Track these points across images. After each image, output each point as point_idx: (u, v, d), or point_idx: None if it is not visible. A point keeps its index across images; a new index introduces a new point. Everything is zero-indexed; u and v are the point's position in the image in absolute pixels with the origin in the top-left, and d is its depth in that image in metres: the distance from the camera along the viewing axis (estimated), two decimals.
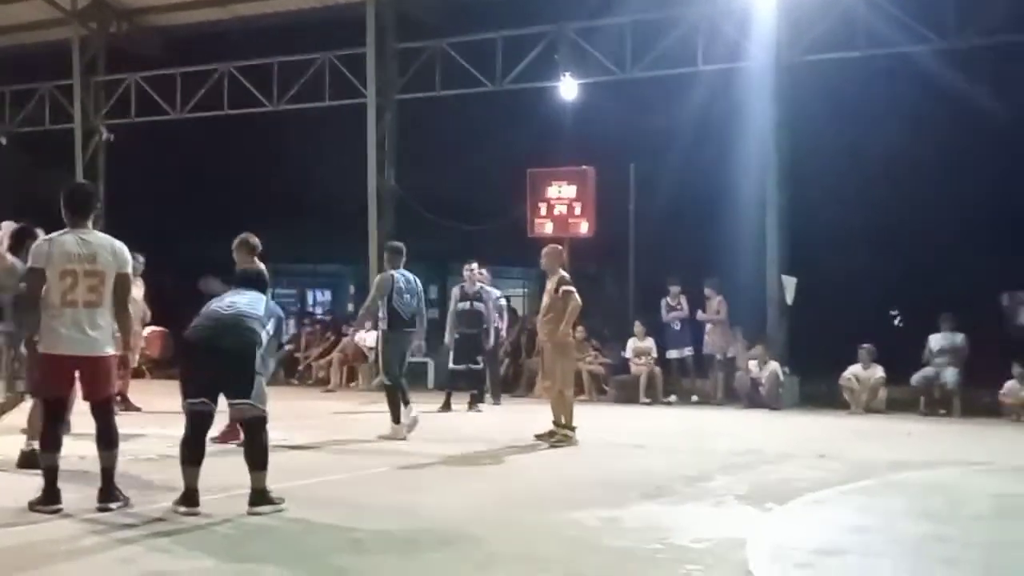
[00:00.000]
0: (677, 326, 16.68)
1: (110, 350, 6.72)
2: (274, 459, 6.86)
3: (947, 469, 9.40)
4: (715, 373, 16.52)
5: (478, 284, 14.77)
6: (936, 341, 14.95)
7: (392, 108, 19.68)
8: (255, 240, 10.24)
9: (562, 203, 17.59)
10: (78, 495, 6.76)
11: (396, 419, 10.95)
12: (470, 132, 23.74)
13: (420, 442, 10.61)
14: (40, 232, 7.95)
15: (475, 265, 14.90)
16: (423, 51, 19.45)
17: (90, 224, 6.83)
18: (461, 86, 19.29)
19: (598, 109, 20.13)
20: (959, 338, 14.91)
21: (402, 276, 11.22)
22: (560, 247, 11.53)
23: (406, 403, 11.11)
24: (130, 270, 6.89)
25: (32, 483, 6.79)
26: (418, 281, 11.51)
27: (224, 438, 9.17)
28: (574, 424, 10.74)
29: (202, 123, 21.97)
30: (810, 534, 6.47)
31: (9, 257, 8.40)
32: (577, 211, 17.46)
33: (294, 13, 21.18)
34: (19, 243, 8.30)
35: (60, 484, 6.62)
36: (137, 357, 12.13)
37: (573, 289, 10.67)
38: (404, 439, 10.74)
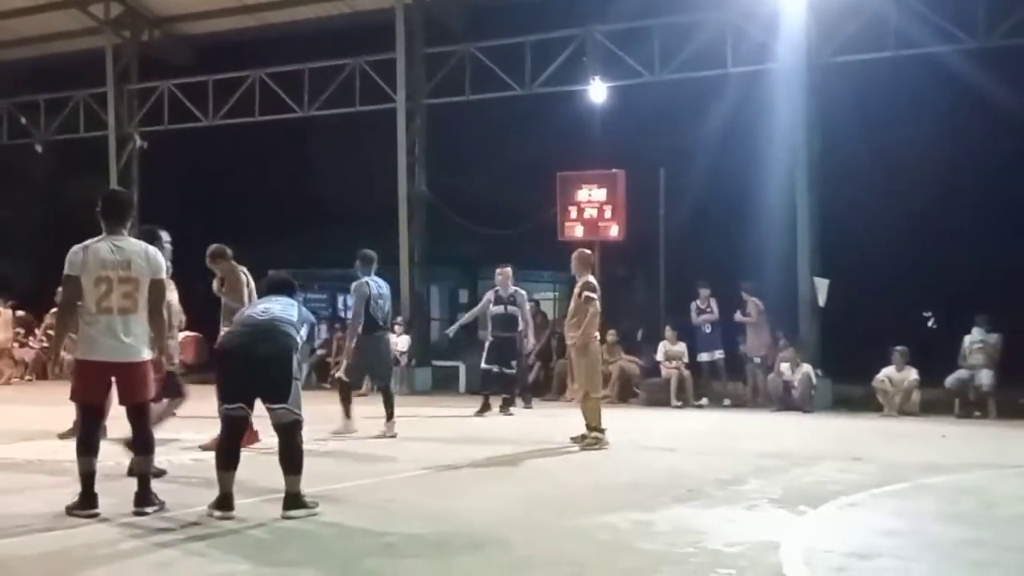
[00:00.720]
0: (708, 329, 16.65)
1: (146, 355, 6.79)
2: (307, 463, 6.90)
3: (981, 472, 9.33)
4: (753, 376, 16.46)
5: (512, 287, 14.66)
6: (970, 342, 14.82)
7: (421, 113, 19.76)
8: (227, 248, 10.60)
9: (592, 206, 17.58)
10: (114, 500, 6.83)
11: (347, 414, 11.53)
12: (499, 136, 23.81)
13: (450, 445, 10.66)
14: (164, 234, 8.31)
15: (509, 268, 14.78)
16: (452, 55, 19.53)
17: (125, 231, 6.90)
18: (490, 90, 19.35)
19: (627, 112, 20.13)
20: (994, 338, 14.77)
21: (374, 282, 11.54)
22: (589, 251, 11.50)
23: (390, 415, 11.34)
24: (164, 276, 6.97)
25: (69, 488, 6.88)
26: (387, 286, 11.83)
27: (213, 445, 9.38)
28: (603, 426, 10.75)
29: (234, 129, 22.18)
30: (844, 538, 6.44)
31: None
32: (607, 215, 17.44)
33: (323, 20, 21.33)
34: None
35: (96, 489, 6.69)
36: (177, 363, 12.15)
37: (594, 295, 10.71)
38: (355, 432, 11.31)
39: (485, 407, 14.28)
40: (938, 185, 20.18)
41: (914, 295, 21.49)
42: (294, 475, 6.73)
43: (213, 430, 9.92)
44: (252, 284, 10.42)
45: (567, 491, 8.16)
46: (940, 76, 17.23)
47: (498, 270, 14.75)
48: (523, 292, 14.92)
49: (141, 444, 6.80)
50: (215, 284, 10.57)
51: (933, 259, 20.48)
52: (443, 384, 19.19)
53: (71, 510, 6.62)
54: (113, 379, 6.72)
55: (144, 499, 6.74)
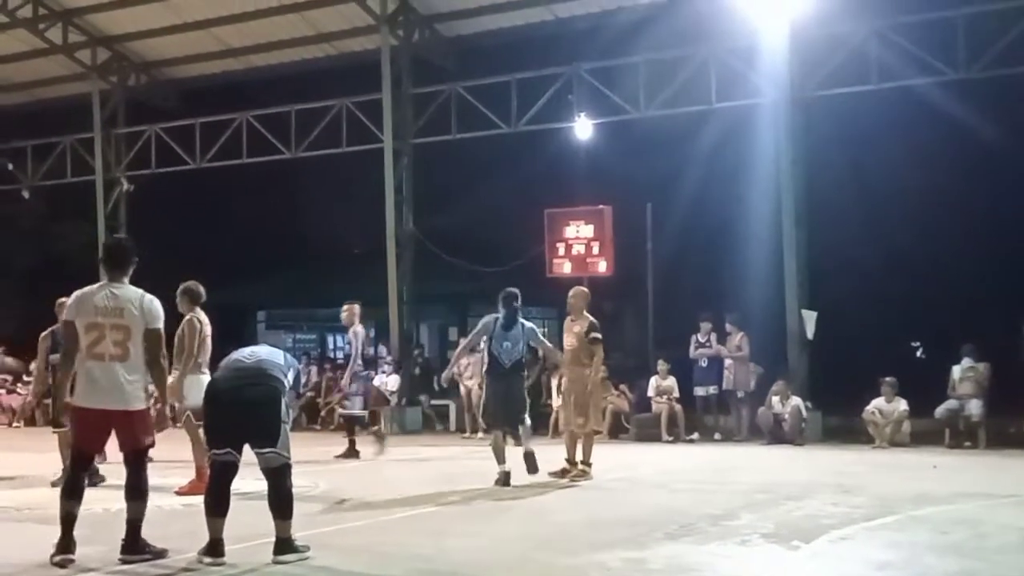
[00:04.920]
0: (704, 363, 16.58)
1: (138, 404, 6.73)
2: (297, 506, 6.86)
3: (973, 502, 9.32)
4: (737, 409, 16.44)
5: (358, 326, 13.60)
6: (959, 372, 14.85)
7: (409, 152, 19.84)
8: (200, 288, 10.45)
9: (580, 243, 17.62)
10: (106, 547, 6.77)
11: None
12: (487, 174, 23.92)
13: (441, 485, 10.59)
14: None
15: (355, 306, 13.73)
16: (438, 95, 19.64)
17: (126, 279, 6.88)
18: (477, 129, 19.45)
19: (614, 149, 20.27)
20: (982, 367, 14.80)
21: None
22: (586, 289, 11.75)
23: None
24: (161, 325, 6.87)
25: (57, 537, 6.80)
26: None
27: (190, 490, 9.48)
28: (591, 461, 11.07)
29: (222, 172, 22.23)
30: (837, 572, 6.43)
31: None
32: (595, 250, 17.48)
33: (309, 61, 21.49)
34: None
35: (90, 535, 6.62)
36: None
37: (600, 337, 11.13)
38: None
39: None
40: (923, 216, 20.33)
41: (902, 326, 21.59)
42: (284, 519, 6.69)
43: (188, 474, 9.97)
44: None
45: (559, 529, 8.13)
46: (922, 109, 17.42)
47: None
48: (361, 330, 13.86)
49: (135, 491, 6.71)
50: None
51: (920, 289, 20.59)
52: (433, 423, 19.15)
53: (54, 557, 6.55)
54: (106, 426, 6.68)
55: (133, 548, 6.64)
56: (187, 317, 10.31)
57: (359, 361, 13.74)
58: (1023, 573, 6.49)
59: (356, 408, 13.96)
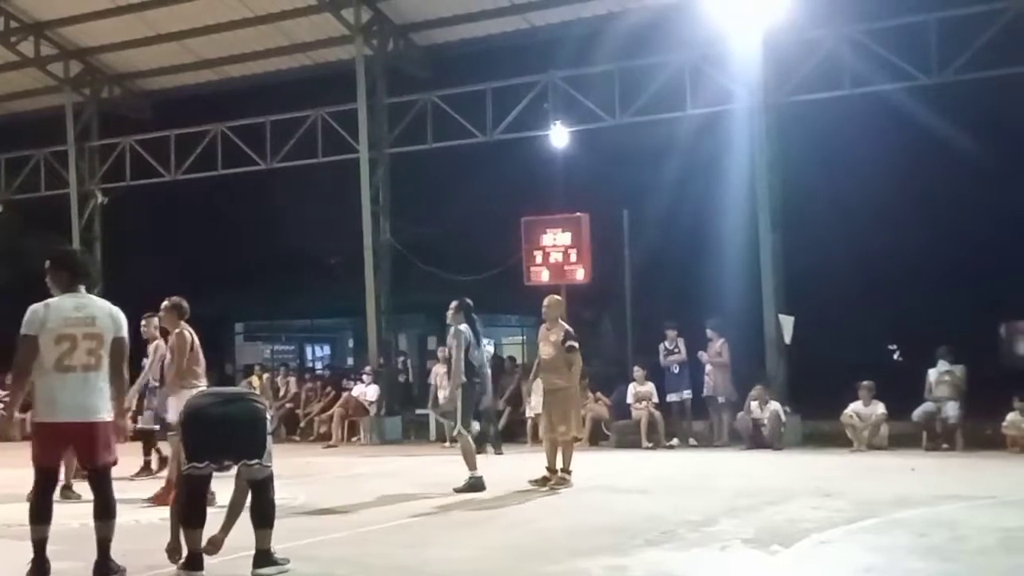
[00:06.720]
0: (675, 369, 16.62)
1: (107, 416, 6.58)
2: (277, 518, 6.83)
3: (952, 504, 9.36)
4: (717, 415, 16.47)
5: None
6: (935, 375, 14.93)
7: (385, 162, 19.80)
8: (186, 303, 10.40)
9: (557, 250, 17.58)
10: (83, 563, 6.69)
11: None
12: (463, 183, 23.92)
13: (421, 494, 10.57)
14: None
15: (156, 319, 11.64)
16: (414, 104, 19.62)
17: (83, 288, 6.76)
18: (452, 138, 19.43)
19: (589, 156, 20.31)
20: (959, 369, 14.88)
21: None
22: (560, 297, 11.74)
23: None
24: (126, 335, 6.76)
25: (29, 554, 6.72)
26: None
27: (158, 500, 9.53)
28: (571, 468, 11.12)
29: (197, 184, 22.13)
30: None
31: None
32: (573, 258, 17.44)
33: (284, 72, 21.42)
34: None
35: (68, 551, 6.54)
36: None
37: (577, 345, 11.17)
38: None
39: None
40: (898, 220, 20.46)
41: (879, 329, 21.71)
42: (266, 528, 6.66)
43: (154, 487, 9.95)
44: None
45: (540, 537, 8.12)
46: (895, 113, 17.55)
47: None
48: (162, 344, 12.23)
49: (104, 510, 6.56)
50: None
51: (897, 293, 20.72)
52: (413, 433, 19.11)
53: None
54: (73, 441, 6.52)
55: (103, 566, 6.51)
56: (176, 331, 10.25)
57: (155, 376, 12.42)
58: (1002, 575, 6.52)
59: (149, 423, 12.81)
